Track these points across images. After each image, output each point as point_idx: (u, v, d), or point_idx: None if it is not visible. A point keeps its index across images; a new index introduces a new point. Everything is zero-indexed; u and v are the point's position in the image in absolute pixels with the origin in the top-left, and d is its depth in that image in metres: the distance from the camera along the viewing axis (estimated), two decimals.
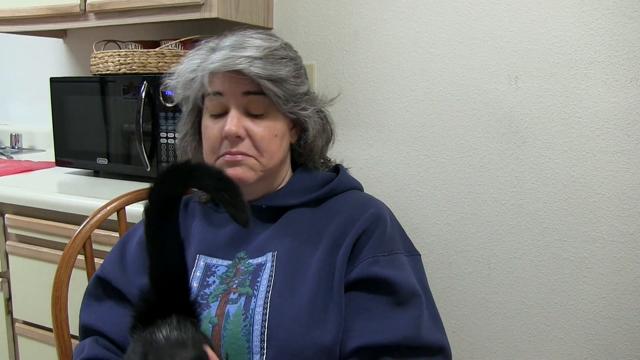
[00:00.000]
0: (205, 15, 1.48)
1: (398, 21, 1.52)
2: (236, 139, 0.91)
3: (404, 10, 1.51)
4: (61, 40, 2.24)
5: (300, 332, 0.81)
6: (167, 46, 1.60)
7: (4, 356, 1.70)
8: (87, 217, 1.16)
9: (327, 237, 0.91)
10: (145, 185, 1.35)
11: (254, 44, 0.91)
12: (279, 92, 0.91)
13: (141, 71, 1.56)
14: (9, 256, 1.63)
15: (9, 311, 1.68)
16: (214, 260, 0.93)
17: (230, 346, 0.82)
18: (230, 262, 0.92)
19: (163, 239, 0.73)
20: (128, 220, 1.21)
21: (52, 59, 2.27)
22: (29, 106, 2.40)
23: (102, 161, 1.68)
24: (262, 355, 0.81)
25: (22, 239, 1.60)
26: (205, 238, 0.96)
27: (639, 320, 1.31)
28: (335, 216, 0.94)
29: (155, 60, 1.55)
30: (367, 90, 1.58)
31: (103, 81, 1.64)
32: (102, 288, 0.97)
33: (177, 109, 1.47)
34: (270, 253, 0.90)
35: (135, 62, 1.56)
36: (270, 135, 0.93)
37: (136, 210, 1.26)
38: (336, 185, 0.99)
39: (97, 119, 1.67)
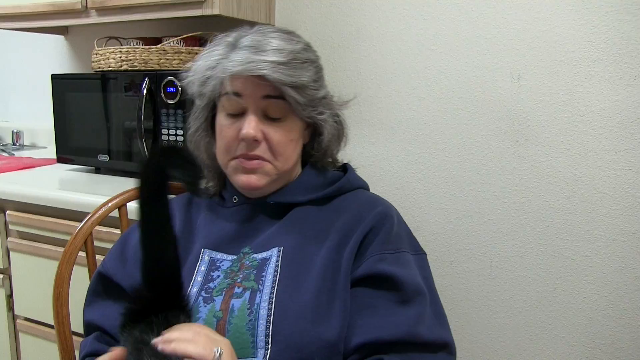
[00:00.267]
0: (207, 12, 1.48)
1: (400, 19, 1.52)
2: (253, 142, 0.90)
3: (406, 8, 1.50)
4: (62, 37, 2.23)
5: (305, 327, 0.81)
6: (169, 43, 1.60)
7: (6, 352, 1.70)
8: (88, 213, 1.16)
9: (333, 234, 0.91)
10: None
11: (276, 46, 0.89)
12: (300, 98, 0.90)
13: (143, 68, 1.56)
14: (10, 253, 1.63)
15: (10, 308, 1.68)
16: (219, 255, 0.93)
17: (235, 340, 0.82)
18: (234, 256, 0.92)
19: (156, 229, 0.73)
20: (129, 217, 1.21)
21: (54, 55, 2.27)
22: (30, 103, 2.39)
23: (104, 158, 1.68)
24: (266, 349, 0.81)
25: (23, 236, 1.60)
26: (211, 233, 0.96)
27: None
28: (342, 214, 0.94)
29: (157, 57, 1.55)
30: (369, 87, 1.58)
31: (104, 78, 1.63)
32: (103, 284, 0.97)
33: (178, 106, 1.47)
34: (276, 248, 0.90)
35: (137, 59, 1.56)
36: (287, 140, 0.93)
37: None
38: (344, 184, 0.99)
39: (98, 115, 1.67)
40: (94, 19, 1.71)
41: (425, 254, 0.96)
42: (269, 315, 0.83)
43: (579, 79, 1.31)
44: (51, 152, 2.00)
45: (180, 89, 1.46)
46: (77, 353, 0.99)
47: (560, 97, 1.33)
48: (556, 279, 1.39)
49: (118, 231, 1.23)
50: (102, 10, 1.68)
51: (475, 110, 1.44)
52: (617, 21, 1.26)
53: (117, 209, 1.19)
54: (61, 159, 1.79)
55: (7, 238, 1.63)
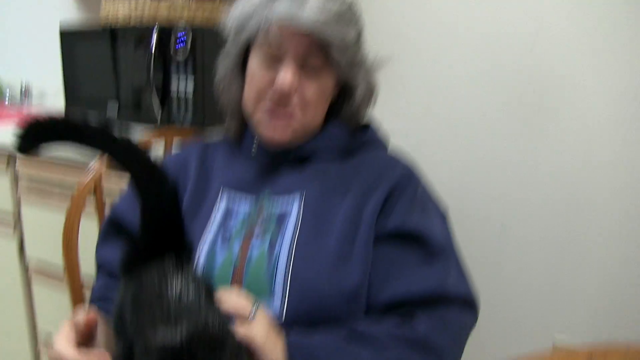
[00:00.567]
0: None
1: None
2: (285, 96, 0.89)
3: None
4: None
5: (325, 275, 0.81)
6: None
7: (19, 302, 1.75)
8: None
9: (356, 188, 0.90)
10: (156, 130, 1.35)
11: (323, 2, 0.86)
12: (340, 57, 0.89)
13: (152, 21, 1.54)
14: (21, 204, 1.65)
15: (22, 258, 1.72)
16: (238, 195, 0.93)
17: (252, 288, 0.82)
18: (254, 197, 0.92)
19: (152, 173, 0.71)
20: None
21: (62, 8, 2.24)
22: (38, 56, 2.38)
23: (112, 112, 1.68)
24: (283, 297, 0.81)
25: (33, 187, 1.62)
26: (229, 174, 0.96)
27: None
28: (365, 169, 0.93)
29: (167, 10, 1.53)
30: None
31: (113, 31, 1.62)
32: (114, 227, 0.98)
33: (187, 60, 1.46)
34: (298, 195, 0.90)
35: (147, 12, 1.54)
36: (319, 96, 0.92)
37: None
38: (367, 139, 0.99)
39: (107, 69, 1.66)
40: None
41: (448, 213, 0.96)
42: (288, 263, 0.82)
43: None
44: (60, 105, 2.00)
45: (189, 42, 1.45)
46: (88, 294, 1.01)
47: (580, 61, 1.32)
48: (566, 241, 1.40)
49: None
50: None
51: (490, 75, 1.42)
52: None
53: None
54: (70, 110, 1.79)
55: (17, 189, 1.65)
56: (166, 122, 1.53)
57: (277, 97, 0.89)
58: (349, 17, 0.90)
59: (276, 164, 0.96)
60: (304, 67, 0.89)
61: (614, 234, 1.34)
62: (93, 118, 0.67)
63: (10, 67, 2.49)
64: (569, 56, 1.32)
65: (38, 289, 1.71)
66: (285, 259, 0.83)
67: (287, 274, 0.82)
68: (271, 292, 0.82)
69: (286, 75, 0.88)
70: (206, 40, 1.41)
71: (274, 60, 0.90)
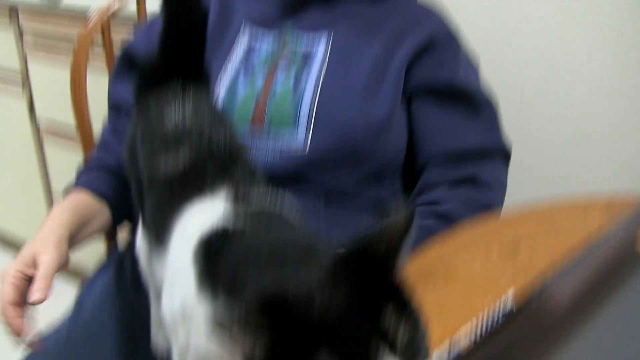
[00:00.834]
0: None
1: None
2: None
3: None
4: None
5: (352, 108, 0.80)
6: None
7: (33, 163, 1.74)
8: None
9: (387, 31, 0.87)
10: None
11: None
12: None
13: None
14: (28, 61, 1.60)
15: (33, 118, 1.68)
16: (261, 31, 0.89)
17: (275, 120, 0.81)
18: (277, 32, 0.88)
19: None
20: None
21: None
22: None
23: None
24: (308, 128, 0.79)
25: (38, 42, 1.55)
26: (254, 6, 0.91)
27: None
28: (398, 14, 0.89)
29: None
30: None
31: None
32: (127, 62, 0.93)
33: None
34: (326, 34, 0.86)
35: None
36: None
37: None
38: None
39: None
40: None
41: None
42: (314, 96, 0.81)
43: None
44: None
45: None
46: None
47: None
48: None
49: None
50: None
51: None
52: None
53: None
54: None
55: (22, 45, 1.58)
56: None
57: None
58: None
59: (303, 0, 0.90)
60: None
61: None
62: None
63: None
64: None
65: (50, 150, 1.70)
66: (312, 92, 0.81)
67: (312, 105, 0.80)
68: (295, 123, 0.80)
69: None
70: None
71: None
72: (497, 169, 0.87)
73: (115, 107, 0.93)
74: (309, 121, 0.79)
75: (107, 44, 1.08)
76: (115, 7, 1.06)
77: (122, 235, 1.01)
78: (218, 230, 0.48)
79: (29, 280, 0.65)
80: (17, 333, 0.64)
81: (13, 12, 1.56)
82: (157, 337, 0.77)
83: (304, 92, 0.81)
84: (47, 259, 0.66)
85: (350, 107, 0.79)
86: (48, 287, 0.64)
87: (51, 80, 1.56)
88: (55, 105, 1.60)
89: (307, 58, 0.85)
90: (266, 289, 0.40)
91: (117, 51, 1.09)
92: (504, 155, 0.89)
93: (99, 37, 1.05)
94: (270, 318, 0.36)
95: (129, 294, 0.84)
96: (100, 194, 0.84)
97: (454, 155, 0.84)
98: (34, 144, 1.71)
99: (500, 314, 0.55)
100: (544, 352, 0.52)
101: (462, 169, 0.84)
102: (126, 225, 0.93)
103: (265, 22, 0.89)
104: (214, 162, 0.57)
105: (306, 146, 0.79)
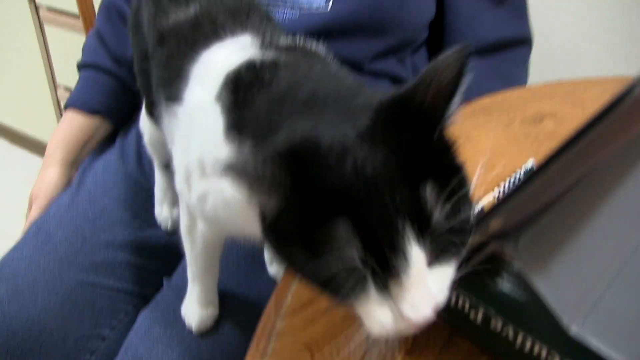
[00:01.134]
0: None
1: None
2: None
3: None
4: None
5: None
6: None
7: (34, 45, 1.68)
8: None
9: None
10: None
11: None
12: None
13: None
14: None
15: (32, 4, 1.61)
16: None
17: None
18: None
19: None
20: None
21: None
22: None
23: None
24: None
25: None
26: None
27: None
28: None
29: None
30: None
31: None
32: None
33: None
34: None
35: None
36: None
37: None
38: None
39: None
40: None
41: None
42: None
43: None
44: None
45: None
46: None
47: None
48: None
49: None
50: None
51: None
52: None
53: None
54: None
55: None
56: None
57: None
58: None
59: None
60: None
61: None
62: None
63: None
64: None
65: (52, 40, 1.64)
66: None
67: None
68: None
69: None
70: None
71: None
72: (520, 59, 0.87)
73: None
74: None
75: None
76: None
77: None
78: (249, 63, 0.44)
79: None
80: None
81: None
82: (160, 210, 0.78)
83: None
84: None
85: None
86: None
87: None
88: None
89: None
90: (298, 134, 0.35)
91: None
92: (529, 44, 0.88)
93: None
94: (295, 166, 0.32)
95: (133, 170, 0.83)
96: (94, 111, 0.86)
97: (482, 47, 0.83)
98: (35, 34, 1.65)
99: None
100: None
101: (490, 58, 0.84)
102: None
103: None
104: (229, 11, 0.52)
105: (329, 4, 0.74)
